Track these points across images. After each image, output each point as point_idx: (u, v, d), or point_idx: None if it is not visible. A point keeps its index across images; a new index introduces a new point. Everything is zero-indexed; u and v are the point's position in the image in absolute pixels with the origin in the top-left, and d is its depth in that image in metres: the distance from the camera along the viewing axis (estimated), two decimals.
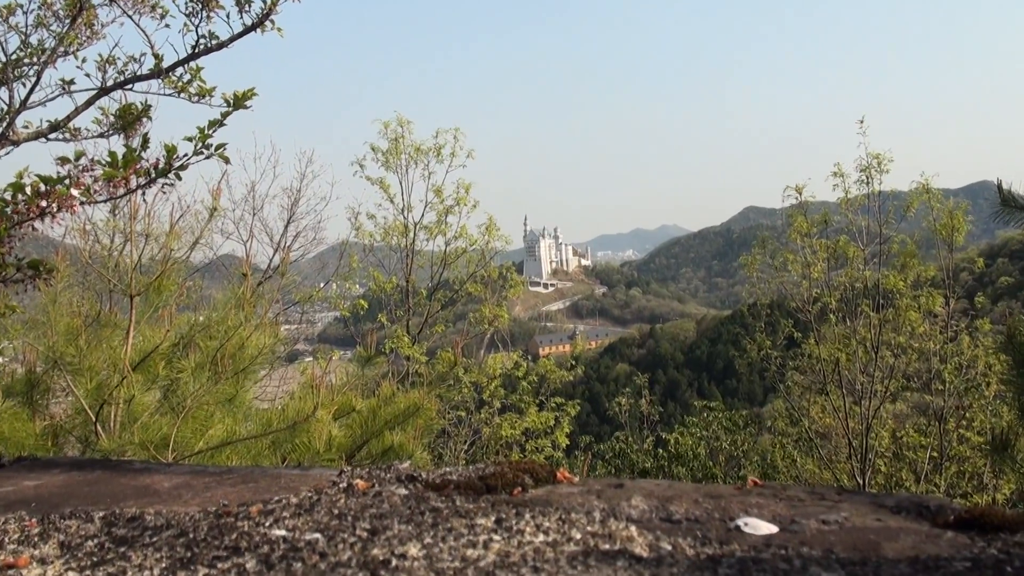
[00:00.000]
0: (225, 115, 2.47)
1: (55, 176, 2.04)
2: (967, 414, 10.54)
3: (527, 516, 0.99)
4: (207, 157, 2.36)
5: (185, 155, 2.30)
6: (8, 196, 2.00)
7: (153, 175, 2.23)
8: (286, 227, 12.02)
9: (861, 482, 10.18)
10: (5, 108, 2.72)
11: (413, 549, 0.88)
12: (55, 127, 2.74)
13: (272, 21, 2.71)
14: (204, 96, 2.70)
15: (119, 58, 2.78)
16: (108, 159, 2.13)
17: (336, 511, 1.06)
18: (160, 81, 2.75)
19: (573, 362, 12.62)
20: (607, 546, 0.87)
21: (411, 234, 12.45)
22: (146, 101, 2.67)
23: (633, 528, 0.93)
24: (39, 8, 2.81)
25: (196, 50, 2.73)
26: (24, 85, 2.81)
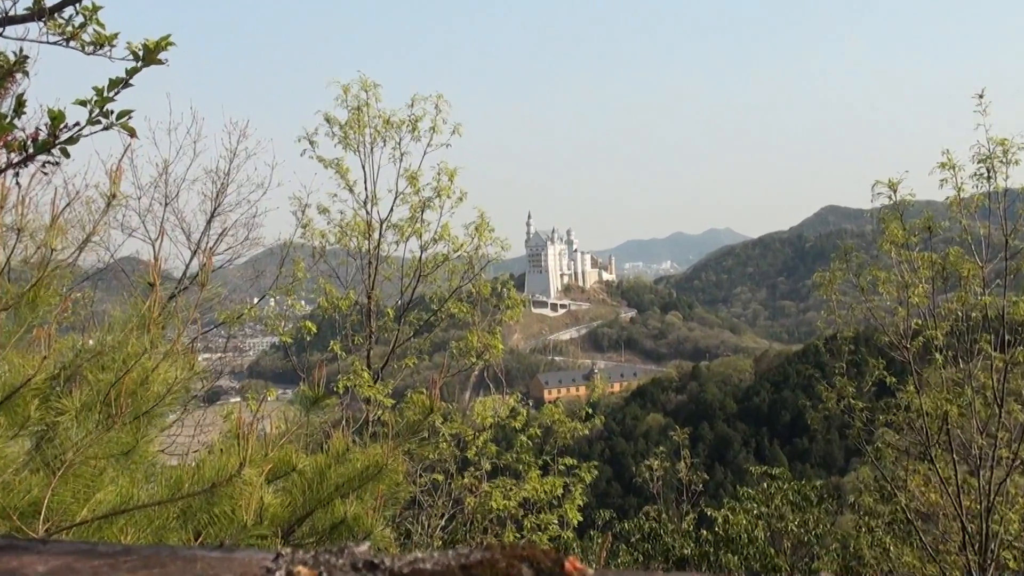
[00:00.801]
0: (132, 72, 2.48)
1: None
2: None
3: None
4: (106, 128, 2.36)
5: (76, 124, 2.30)
6: None
7: (31, 149, 2.23)
8: (209, 222, 12.06)
9: None
10: None
11: None
12: None
13: None
14: (102, 46, 2.69)
15: None
16: None
17: None
18: (42, 24, 2.75)
19: (589, 410, 12.62)
20: None
21: (376, 234, 12.47)
22: (21, 50, 2.66)
23: None
24: None
25: None
26: None
